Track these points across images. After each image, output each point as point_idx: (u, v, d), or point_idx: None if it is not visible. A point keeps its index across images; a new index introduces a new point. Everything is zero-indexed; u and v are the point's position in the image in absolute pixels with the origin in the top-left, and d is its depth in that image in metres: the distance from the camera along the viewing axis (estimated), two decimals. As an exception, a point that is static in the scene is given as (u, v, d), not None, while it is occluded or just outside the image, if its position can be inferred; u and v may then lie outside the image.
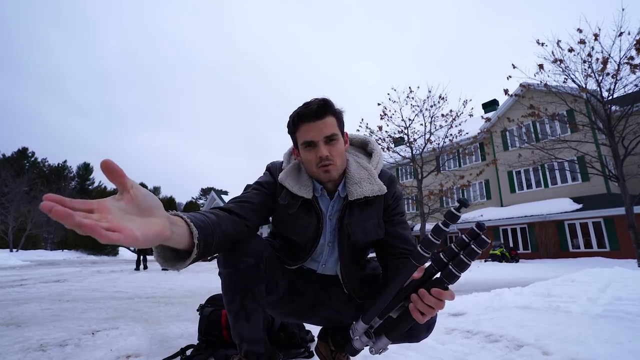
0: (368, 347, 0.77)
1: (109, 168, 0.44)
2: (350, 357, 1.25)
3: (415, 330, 0.92)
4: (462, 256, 0.58)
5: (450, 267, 0.60)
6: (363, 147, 1.15)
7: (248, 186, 1.05)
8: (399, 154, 16.12)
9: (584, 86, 9.41)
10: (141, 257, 9.50)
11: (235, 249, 0.91)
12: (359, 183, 0.99)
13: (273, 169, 1.09)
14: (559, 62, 9.52)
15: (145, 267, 9.47)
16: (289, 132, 1.01)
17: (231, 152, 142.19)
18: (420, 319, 0.66)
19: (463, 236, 0.59)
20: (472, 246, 0.57)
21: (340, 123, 0.98)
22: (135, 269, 9.18)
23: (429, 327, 0.93)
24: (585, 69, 9.28)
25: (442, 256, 0.62)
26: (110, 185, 53.58)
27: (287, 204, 1.00)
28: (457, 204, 0.55)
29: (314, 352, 1.33)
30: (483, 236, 0.56)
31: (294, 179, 1.01)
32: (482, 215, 16.69)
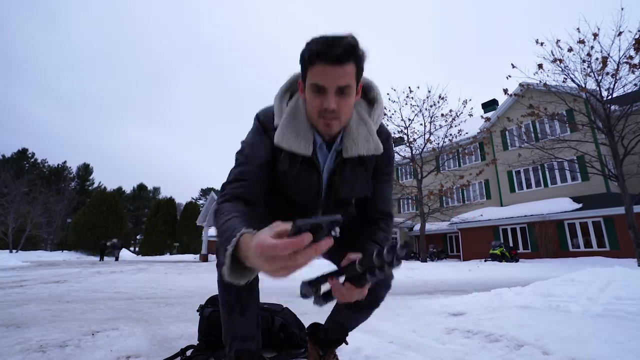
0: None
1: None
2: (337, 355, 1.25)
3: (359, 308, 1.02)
4: (367, 274, 0.67)
5: (367, 275, 0.68)
6: (365, 92, 1.01)
7: (241, 151, 0.96)
8: (398, 154, 16.12)
9: (583, 86, 9.44)
10: (104, 251, 13.02)
11: None
12: (355, 139, 0.94)
13: (266, 123, 0.96)
14: (558, 62, 9.55)
15: (102, 259, 12.41)
16: (300, 62, 0.86)
17: (231, 153, 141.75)
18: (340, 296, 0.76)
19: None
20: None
21: (359, 72, 0.85)
22: (100, 260, 12.38)
23: (370, 303, 1.01)
24: (584, 69, 9.31)
25: (359, 265, 0.69)
26: (110, 186, 53.75)
27: (287, 168, 0.95)
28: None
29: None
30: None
31: (292, 131, 0.91)
32: (482, 215, 16.71)
